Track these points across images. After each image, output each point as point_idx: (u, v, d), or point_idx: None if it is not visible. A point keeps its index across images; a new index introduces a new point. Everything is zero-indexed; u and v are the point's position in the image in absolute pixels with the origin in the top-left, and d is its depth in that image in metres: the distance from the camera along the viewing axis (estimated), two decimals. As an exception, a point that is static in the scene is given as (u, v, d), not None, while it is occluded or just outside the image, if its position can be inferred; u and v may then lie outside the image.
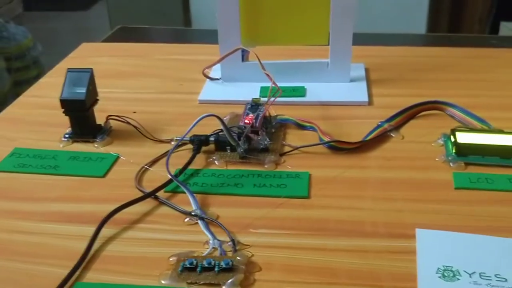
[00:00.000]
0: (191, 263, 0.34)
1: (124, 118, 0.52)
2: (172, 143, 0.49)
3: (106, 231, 0.38)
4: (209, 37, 0.62)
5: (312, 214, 0.40)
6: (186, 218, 0.40)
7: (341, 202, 0.41)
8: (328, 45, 0.57)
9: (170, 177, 0.43)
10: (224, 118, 0.52)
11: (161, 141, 0.50)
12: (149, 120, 0.53)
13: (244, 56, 0.59)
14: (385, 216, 0.39)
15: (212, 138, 0.47)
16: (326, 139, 0.47)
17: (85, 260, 0.36)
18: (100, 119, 0.51)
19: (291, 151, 0.47)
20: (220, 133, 0.48)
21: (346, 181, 0.43)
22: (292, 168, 0.45)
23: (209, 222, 0.39)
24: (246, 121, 0.48)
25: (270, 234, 0.38)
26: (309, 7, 0.56)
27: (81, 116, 0.49)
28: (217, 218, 0.39)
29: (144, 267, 0.35)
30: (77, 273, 0.35)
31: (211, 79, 0.60)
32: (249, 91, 0.57)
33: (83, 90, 0.47)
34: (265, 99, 0.49)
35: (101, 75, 0.57)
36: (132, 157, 0.47)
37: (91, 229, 0.38)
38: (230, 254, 0.36)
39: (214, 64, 0.58)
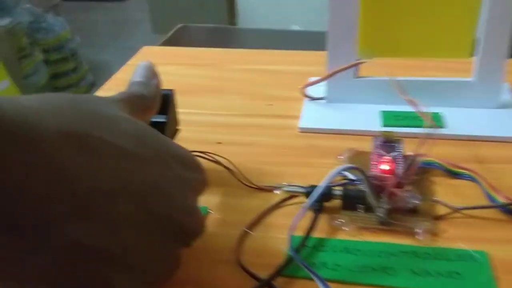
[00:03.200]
0: None
1: (211, 155, 0.39)
2: (276, 191, 0.36)
3: None
4: (286, 39, 0.49)
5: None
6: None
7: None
8: (472, 57, 0.43)
9: (289, 253, 0.30)
10: (339, 157, 0.39)
11: (260, 189, 0.37)
12: (238, 154, 0.40)
13: (356, 69, 0.45)
14: None
15: (338, 192, 0.34)
16: (500, 198, 0.34)
17: None
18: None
19: (448, 213, 0.34)
20: (347, 186, 0.35)
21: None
22: (459, 245, 0.31)
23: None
24: (383, 166, 0.35)
25: None
26: (450, 11, 0.42)
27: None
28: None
29: None
30: None
31: (312, 98, 0.47)
32: (365, 116, 0.43)
33: (162, 119, 0.35)
34: (398, 129, 0.36)
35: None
36: (225, 211, 0.35)
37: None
38: None
39: (323, 79, 0.45)
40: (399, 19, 0.43)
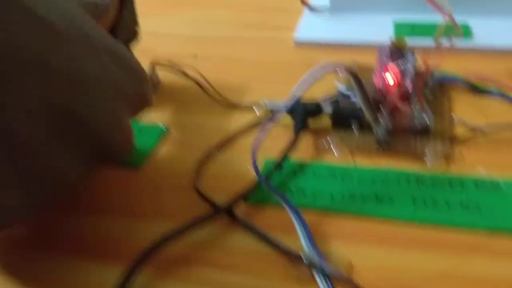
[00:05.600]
0: None
1: (179, 66, 0.32)
2: (256, 110, 0.29)
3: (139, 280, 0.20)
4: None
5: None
6: (291, 263, 0.20)
7: None
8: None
9: (257, 177, 0.24)
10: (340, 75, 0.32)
11: (237, 107, 0.30)
12: (218, 71, 0.33)
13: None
14: None
15: (327, 108, 0.27)
16: (539, 115, 0.26)
17: None
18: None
19: (470, 135, 0.26)
20: (340, 99, 0.28)
21: None
22: (483, 171, 0.24)
23: (336, 280, 0.20)
24: (388, 78, 0.28)
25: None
26: None
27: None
28: (349, 271, 0.20)
29: None
30: None
31: (312, 8, 0.39)
32: (375, 27, 0.36)
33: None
34: (413, 39, 0.28)
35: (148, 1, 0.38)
36: (189, 133, 0.29)
37: (111, 276, 0.20)
38: None
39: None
40: None
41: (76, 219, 0.24)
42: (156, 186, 0.25)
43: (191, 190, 0.24)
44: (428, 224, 0.22)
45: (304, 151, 0.26)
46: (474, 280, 0.19)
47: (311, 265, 0.20)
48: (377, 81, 0.28)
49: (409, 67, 0.28)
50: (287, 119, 0.28)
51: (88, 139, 0.20)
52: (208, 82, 0.31)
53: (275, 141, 0.26)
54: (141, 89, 0.23)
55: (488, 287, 0.19)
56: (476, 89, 0.29)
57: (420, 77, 0.28)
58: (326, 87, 0.29)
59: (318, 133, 0.27)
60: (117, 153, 0.22)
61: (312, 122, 0.27)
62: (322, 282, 0.19)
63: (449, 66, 0.31)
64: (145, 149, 0.27)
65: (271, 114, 0.28)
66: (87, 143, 0.20)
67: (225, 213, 0.22)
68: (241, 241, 0.22)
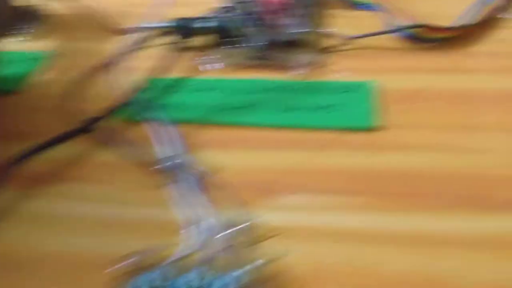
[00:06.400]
0: (150, 285, 0.16)
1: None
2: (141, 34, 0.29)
3: None
4: None
5: (390, 162, 0.21)
6: (156, 170, 0.21)
7: (440, 137, 0.22)
8: None
9: (128, 94, 0.24)
10: None
11: (120, 32, 0.30)
12: (101, 1, 0.33)
13: None
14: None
15: (206, 24, 0.27)
16: (402, 22, 0.27)
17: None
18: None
19: (339, 45, 0.27)
20: (218, 16, 0.28)
21: (444, 97, 0.24)
22: (345, 76, 0.25)
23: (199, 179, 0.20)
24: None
25: (314, 206, 0.19)
26: None
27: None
28: (215, 171, 0.21)
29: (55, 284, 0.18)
30: None
31: None
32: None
33: None
34: None
35: None
36: (69, 58, 0.28)
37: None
38: (238, 257, 0.18)
39: None
40: None
41: None
42: (30, 109, 0.25)
43: (65, 111, 0.24)
44: (289, 127, 0.23)
45: (181, 69, 0.26)
46: (324, 170, 0.21)
47: (176, 168, 0.21)
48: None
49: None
50: (166, 39, 0.28)
51: None
52: (91, 9, 0.31)
53: (153, 62, 0.26)
54: None
55: (334, 175, 0.20)
56: (352, 4, 0.30)
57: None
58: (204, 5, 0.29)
59: (196, 50, 0.27)
60: None
61: (191, 40, 0.27)
62: (187, 182, 0.20)
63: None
64: (22, 75, 0.27)
65: (148, 34, 0.28)
66: None
67: (86, 131, 0.23)
68: (105, 157, 0.22)
